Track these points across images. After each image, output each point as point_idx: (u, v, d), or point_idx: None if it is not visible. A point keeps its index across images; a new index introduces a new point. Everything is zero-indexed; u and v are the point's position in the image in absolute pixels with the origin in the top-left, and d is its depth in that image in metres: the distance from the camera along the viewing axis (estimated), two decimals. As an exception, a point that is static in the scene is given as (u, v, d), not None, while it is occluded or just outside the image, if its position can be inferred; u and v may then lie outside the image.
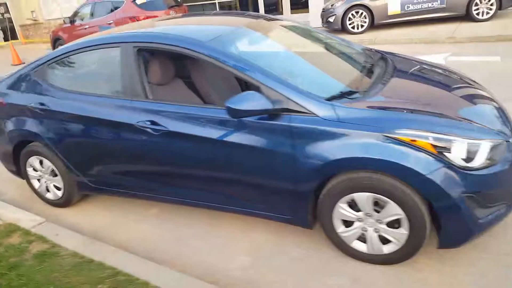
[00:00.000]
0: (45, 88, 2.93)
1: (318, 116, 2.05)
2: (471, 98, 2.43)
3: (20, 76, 3.13)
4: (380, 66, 2.65)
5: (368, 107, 2.09)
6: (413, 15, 8.36)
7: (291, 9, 11.73)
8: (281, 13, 11.87)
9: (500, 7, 7.79)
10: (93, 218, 3.12)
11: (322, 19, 9.26)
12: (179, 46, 2.38)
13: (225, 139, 2.26)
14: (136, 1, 8.87)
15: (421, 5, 8.20)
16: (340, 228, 2.22)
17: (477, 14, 7.91)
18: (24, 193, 3.58)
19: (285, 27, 3.11)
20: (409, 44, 7.49)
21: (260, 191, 2.32)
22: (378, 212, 2.09)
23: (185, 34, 2.48)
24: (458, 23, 8.07)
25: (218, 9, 13.27)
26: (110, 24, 9.04)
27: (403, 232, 2.06)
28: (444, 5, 8.04)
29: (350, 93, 2.24)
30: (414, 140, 1.91)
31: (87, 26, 9.63)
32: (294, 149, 2.11)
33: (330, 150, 2.03)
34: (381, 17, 8.54)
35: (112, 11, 9.26)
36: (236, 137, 2.23)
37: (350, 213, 2.15)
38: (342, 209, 2.15)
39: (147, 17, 8.82)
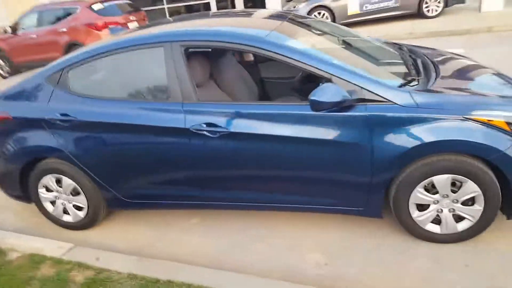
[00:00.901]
0: (67, 97, 2.60)
1: (396, 104, 2.09)
2: (479, 73, 2.64)
3: (27, 86, 2.76)
4: (416, 56, 2.78)
5: (438, 91, 2.18)
6: (371, 14, 8.91)
7: (245, 7, 11.72)
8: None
9: (446, 5, 8.62)
10: (129, 236, 2.85)
11: (285, 21, 9.44)
12: (238, 43, 2.28)
13: (295, 135, 2.20)
14: (92, 7, 8.30)
15: (378, 5, 8.76)
16: (415, 213, 2.28)
17: (427, 11, 8.65)
18: (27, 219, 3.20)
19: (309, 25, 3.12)
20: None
21: (333, 186, 2.30)
22: (454, 192, 2.18)
23: (238, 31, 2.38)
24: (412, 20, 8.72)
25: (167, 15, 12.93)
26: (64, 32, 8.36)
27: (478, 208, 2.17)
28: (398, 4, 8.67)
29: (412, 80, 2.31)
30: (491, 120, 2.04)
31: (34, 35, 8.80)
32: (371, 139, 2.12)
33: (410, 136, 2.08)
34: (342, 17, 8.94)
35: (64, 18, 8.56)
36: (308, 132, 2.18)
37: (427, 197, 2.21)
38: (420, 194, 2.20)
39: (106, 23, 8.32)
